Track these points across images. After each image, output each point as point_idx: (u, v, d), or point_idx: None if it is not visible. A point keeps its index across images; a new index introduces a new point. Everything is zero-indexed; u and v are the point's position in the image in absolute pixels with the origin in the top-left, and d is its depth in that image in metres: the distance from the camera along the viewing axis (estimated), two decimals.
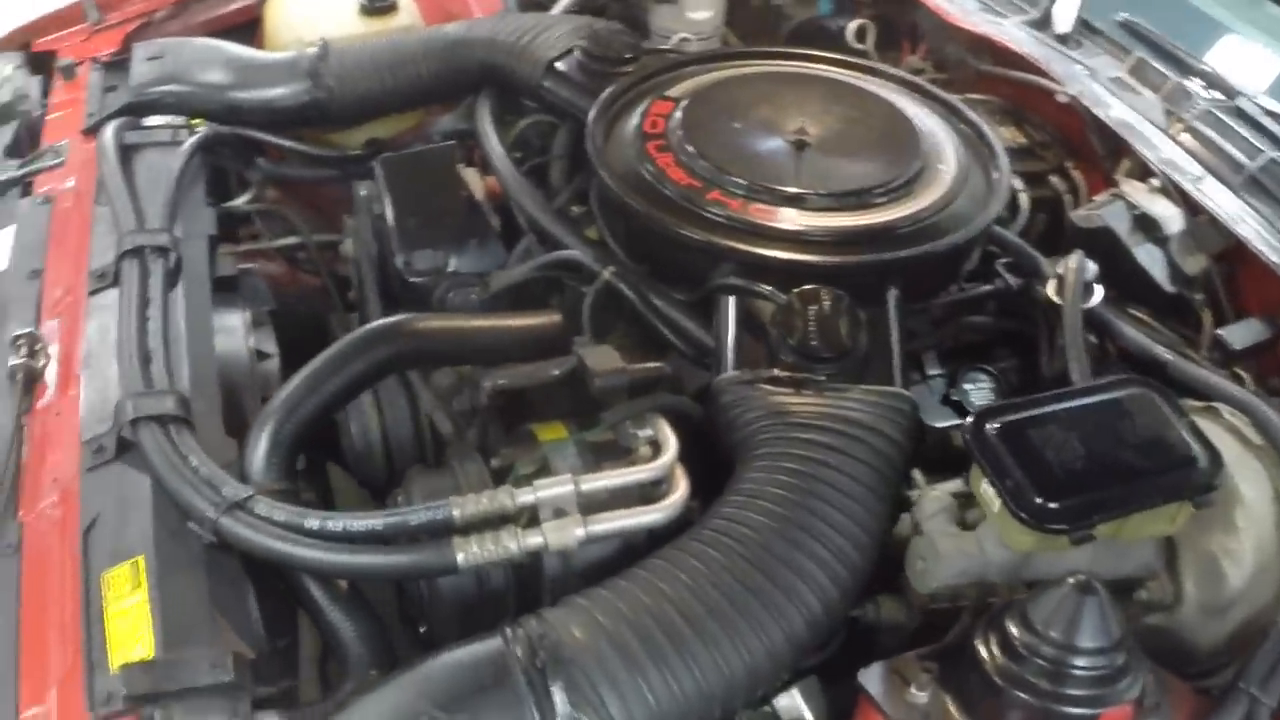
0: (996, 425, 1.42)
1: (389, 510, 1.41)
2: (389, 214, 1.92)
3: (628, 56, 2.06)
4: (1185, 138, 1.77)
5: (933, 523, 1.47)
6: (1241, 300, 1.76)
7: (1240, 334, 1.66)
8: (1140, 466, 1.39)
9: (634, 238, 1.83)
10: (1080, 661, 1.25)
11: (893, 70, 2.06)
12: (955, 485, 1.55)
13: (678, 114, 1.88)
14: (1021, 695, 1.25)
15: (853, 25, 2.27)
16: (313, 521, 1.37)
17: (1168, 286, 1.77)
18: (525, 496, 1.40)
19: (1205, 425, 1.49)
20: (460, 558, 1.35)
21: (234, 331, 1.79)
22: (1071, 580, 1.28)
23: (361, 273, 1.99)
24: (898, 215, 1.73)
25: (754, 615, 1.30)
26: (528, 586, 1.46)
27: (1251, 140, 1.73)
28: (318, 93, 2.12)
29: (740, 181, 1.75)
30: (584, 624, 1.27)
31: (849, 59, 2.09)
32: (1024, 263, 1.84)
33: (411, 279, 1.89)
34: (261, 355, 1.81)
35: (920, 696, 1.32)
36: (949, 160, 1.84)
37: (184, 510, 1.40)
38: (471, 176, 2.06)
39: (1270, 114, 1.75)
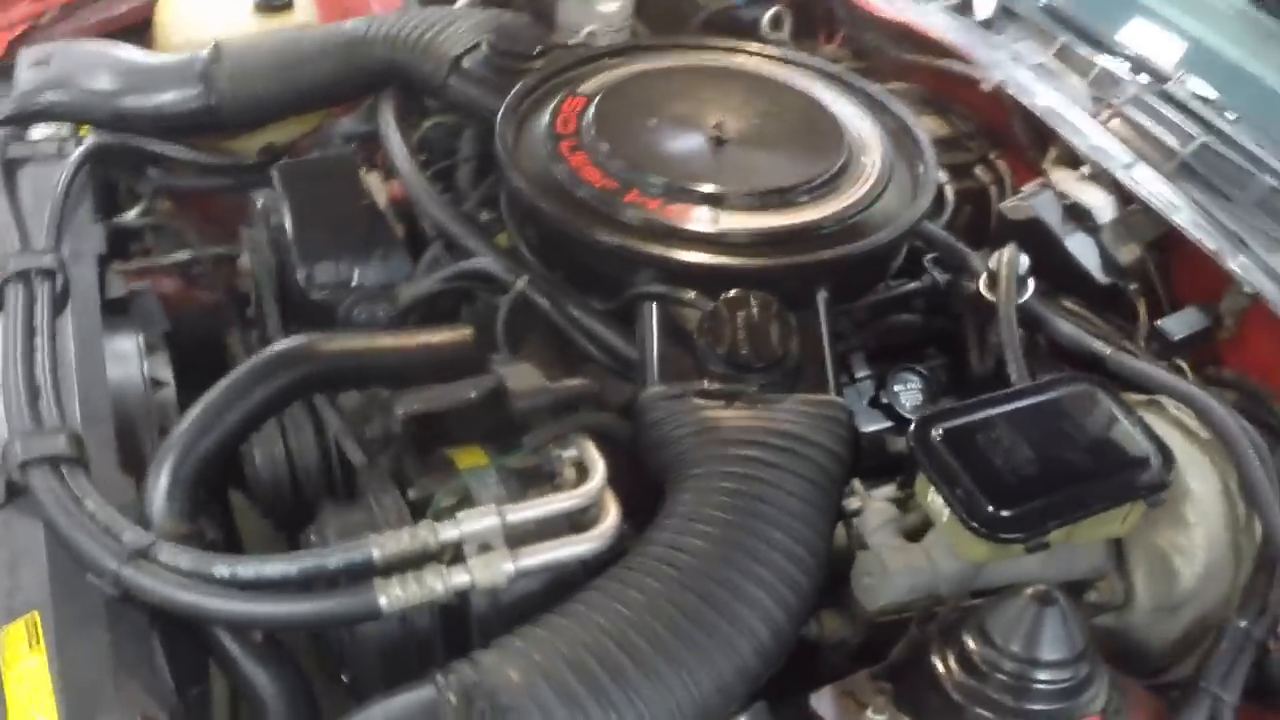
0: (941, 431, 1.36)
1: (303, 553, 1.30)
2: (288, 225, 1.81)
3: (536, 51, 1.96)
4: (1115, 124, 1.72)
5: (878, 536, 1.41)
6: (1175, 289, 1.72)
7: (1179, 324, 1.62)
8: (1093, 468, 1.35)
9: (547, 244, 1.74)
10: (1043, 675, 1.20)
11: (812, 61, 1.99)
12: (889, 491, 1.50)
13: (590, 111, 1.79)
14: (984, 713, 1.20)
15: (768, 14, 2.20)
16: (221, 568, 1.26)
17: (1101, 277, 1.72)
18: (449, 532, 1.30)
19: (1150, 419, 1.45)
20: (383, 601, 1.25)
21: (127, 358, 1.67)
22: (1030, 591, 1.23)
23: (260, 288, 1.88)
24: (825, 213, 1.66)
25: (699, 646, 1.23)
26: (454, 627, 1.36)
27: (1183, 125, 1.68)
28: (210, 97, 1.99)
29: (658, 182, 1.66)
30: (520, 666, 1.18)
31: (767, 50, 2.02)
32: (951, 258, 1.79)
33: (314, 294, 1.78)
34: (157, 384, 1.69)
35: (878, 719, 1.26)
36: (873, 155, 1.77)
37: (82, 561, 1.28)
38: (374, 182, 1.95)
39: (1200, 98, 1.71)
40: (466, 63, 1.96)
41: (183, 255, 2.14)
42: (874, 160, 1.76)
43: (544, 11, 2.24)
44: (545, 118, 1.81)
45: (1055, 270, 1.72)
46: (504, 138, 1.77)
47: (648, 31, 2.30)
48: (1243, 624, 1.36)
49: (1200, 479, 1.43)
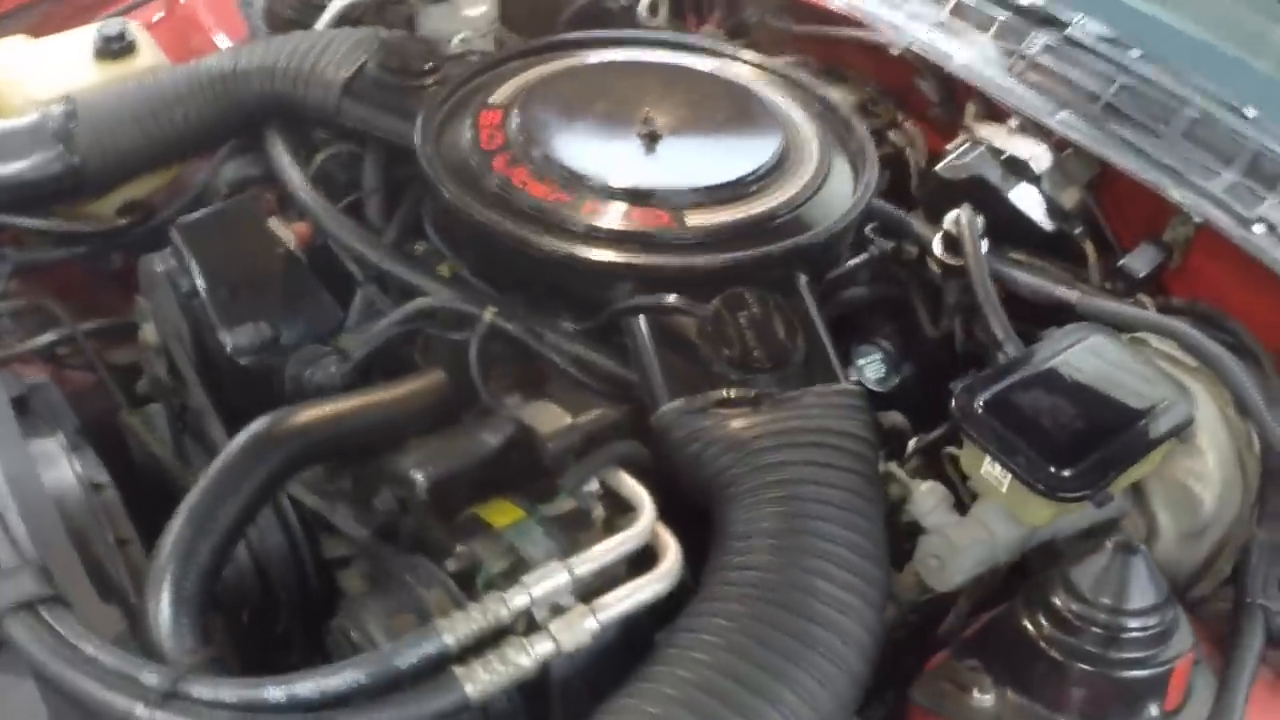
0: (982, 402, 1.35)
1: (366, 657, 1.17)
2: (201, 287, 1.63)
3: (428, 66, 1.83)
4: (1031, 75, 1.75)
5: (935, 517, 1.39)
6: (1115, 227, 1.77)
7: (1140, 260, 1.65)
8: (1128, 414, 1.36)
9: (501, 268, 1.63)
10: (1136, 623, 1.22)
11: (708, 43, 1.95)
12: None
13: (514, 122, 1.69)
14: (1086, 667, 1.21)
15: (644, 1, 2.13)
16: (274, 691, 1.11)
17: (1047, 224, 1.74)
18: (519, 599, 1.20)
19: None
20: (469, 690, 1.14)
21: (56, 462, 1.46)
22: (1110, 543, 1.24)
23: (176, 360, 1.69)
24: (785, 197, 1.63)
25: (810, 662, 1.18)
26: (532, 699, 1.26)
27: (1096, 67, 1.73)
28: (72, 157, 1.77)
29: (612, 188, 1.59)
30: None
31: (661, 37, 1.96)
32: (891, 225, 1.78)
33: (243, 360, 1.62)
34: (95, 487, 1.49)
35: (985, 699, 1.25)
36: (805, 132, 1.75)
37: (99, 715, 1.11)
38: (276, 227, 1.79)
39: (1105, 39, 1.76)
40: (357, 86, 1.82)
41: (47, 338, 1.91)
42: (809, 138, 1.74)
43: (400, 24, 2.10)
44: (466, 134, 1.70)
45: (999, 224, 1.73)
46: (430, 160, 1.65)
47: (511, 34, 2.19)
48: (1263, 535, 1.41)
49: (1200, 406, 1.46)
